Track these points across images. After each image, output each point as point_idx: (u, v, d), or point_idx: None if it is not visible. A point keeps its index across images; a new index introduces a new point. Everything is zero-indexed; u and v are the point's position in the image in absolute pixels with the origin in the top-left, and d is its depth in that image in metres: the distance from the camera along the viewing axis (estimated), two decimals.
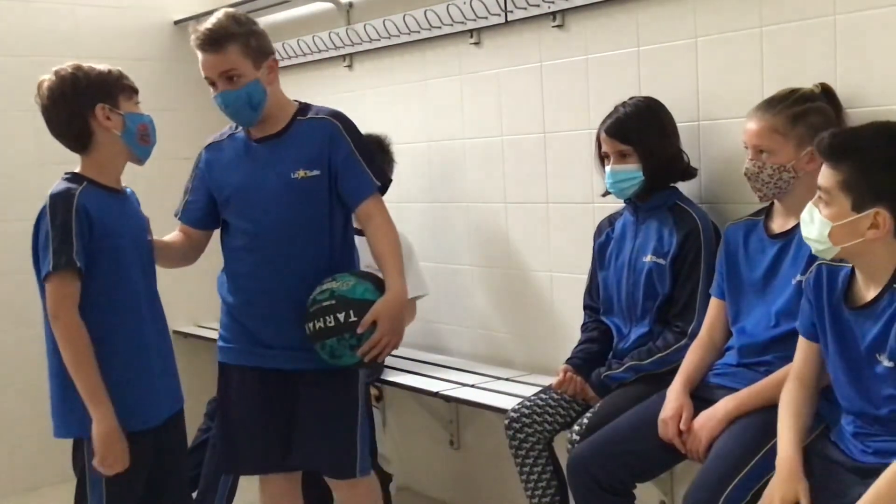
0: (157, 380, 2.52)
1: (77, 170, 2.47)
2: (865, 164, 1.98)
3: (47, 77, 2.44)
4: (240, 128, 2.76)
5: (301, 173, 2.64)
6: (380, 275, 2.67)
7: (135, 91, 2.52)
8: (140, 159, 2.55)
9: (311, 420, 2.69)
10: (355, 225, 2.81)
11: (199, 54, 2.62)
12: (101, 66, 2.47)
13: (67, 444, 2.49)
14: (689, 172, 2.81)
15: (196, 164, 2.83)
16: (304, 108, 2.75)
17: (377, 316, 2.53)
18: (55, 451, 2.50)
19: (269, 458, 2.75)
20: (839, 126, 2.42)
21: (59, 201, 2.36)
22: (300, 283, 2.64)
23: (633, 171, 2.74)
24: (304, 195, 2.65)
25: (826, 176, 2.04)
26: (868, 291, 2.06)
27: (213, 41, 2.58)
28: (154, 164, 2.88)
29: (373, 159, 2.73)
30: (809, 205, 2.10)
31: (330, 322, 2.53)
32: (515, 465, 2.88)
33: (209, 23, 2.60)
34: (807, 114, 2.40)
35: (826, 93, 2.47)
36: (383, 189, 2.73)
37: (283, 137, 2.70)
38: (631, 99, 2.82)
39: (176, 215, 2.85)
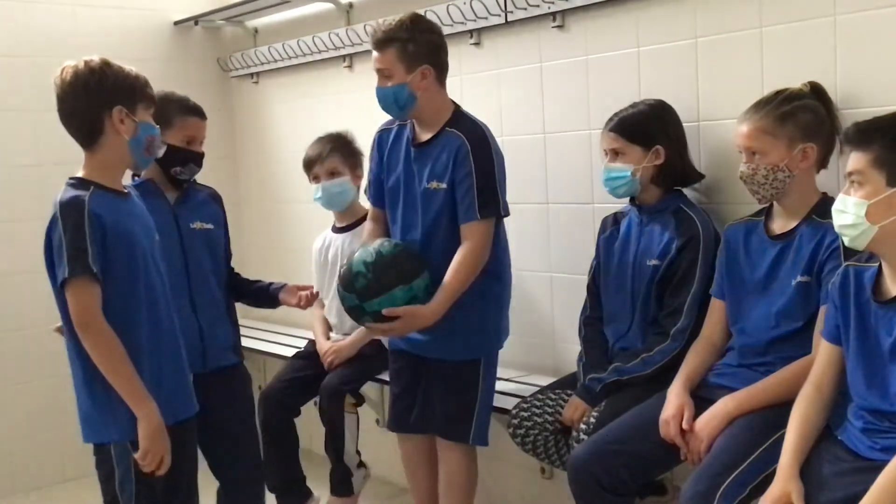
0: (178, 378, 2.52)
1: (81, 174, 2.44)
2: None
3: (73, 63, 2.40)
4: (408, 122, 3.02)
5: (434, 184, 2.91)
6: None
7: (154, 102, 2.50)
8: (140, 168, 2.54)
9: (439, 393, 3.02)
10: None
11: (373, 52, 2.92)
12: (130, 69, 2.45)
13: (70, 443, 2.48)
14: (694, 177, 2.81)
15: (371, 147, 3.16)
16: (454, 118, 2.94)
17: (403, 314, 2.82)
18: (57, 451, 2.49)
19: (412, 421, 3.15)
20: (831, 123, 2.44)
21: (70, 209, 2.32)
22: (439, 282, 2.88)
23: (622, 169, 2.75)
24: (435, 205, 2.91)
25: (856, 159, 2.05)
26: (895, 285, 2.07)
27: (377, 41, 2.88)
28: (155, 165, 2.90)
29: (486, 187, 2.86)
30: (840, 196, 2.10)
31: (360, 285, 2.85)
32: (533, 458, 2.94)
33: (385, 22, 2.89)
34: (795, 112, 2.41)
35: (815, 91, 2.47)
36: (501, 213, 2.92)
37: (428, 148, 2.94)
38: (643, 100, 2.83)
39: (368, 197, 3.20)
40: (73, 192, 2.37)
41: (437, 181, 2.89)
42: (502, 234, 3.03)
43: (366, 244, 2.99)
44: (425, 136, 2.95)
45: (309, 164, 3.63)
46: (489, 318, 3.02)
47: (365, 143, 3.48)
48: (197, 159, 2.97)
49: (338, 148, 3.61)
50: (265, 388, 3.59)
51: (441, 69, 2.93)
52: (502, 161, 2.97)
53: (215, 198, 3.10)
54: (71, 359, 2.43)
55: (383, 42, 2.86)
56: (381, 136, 3.12)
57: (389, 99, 2.91)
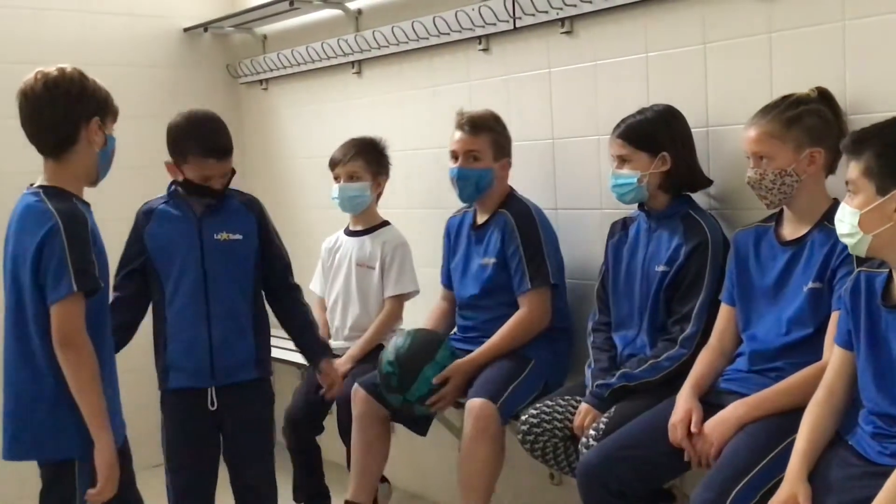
0: (118, 400, 2.46)
1: (46, 182, 2.35)
2: (884, 148, 2.03)
3: (46, 70, 2.32)
4: (473, 206, 3.31)
5: (485, 260, 3.21)
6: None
7: (117, 116, 2.44)
8: (99, 180, 2.45)
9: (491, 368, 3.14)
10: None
11: (457, 133, 3.19)
12: (100, 83, 2.39)
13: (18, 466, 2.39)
14: (702, 183, 2.81)
15: (444, 234, 3.45)
16: (507, 199, 3.23)
17: (450, 373, 3.07)
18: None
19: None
20: (838, 128, 2.44)
21: (75, 220, 2.26)
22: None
23: (629, 176, 2.76)
24: (490, 279, 3.20)
25: (850, 169, 2.08)
26: None
27: (473, 125, 3.17)
28: (161, 172, 2.89)
29: (535, 258, 3.10)
30: (841, 205, 2.12)
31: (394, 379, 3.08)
32: (542, 464, 2.94)
33: (475, 112, 3.20)
34: (801, 117, 2.41)
35: (823, 96, 2.47)
36: (551, 281, 3.12)
37: (483, 230, 3.24)
38: (651, 106, 2.83)
39: (441, 279, 3.49)
40: (64, 203, 2.29)
41: (487, 257, 3.19)
42: (565, 295, 3.23)
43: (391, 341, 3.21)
44: (482, 218, 3.26)
45: (332, 165, 3.68)
46: (553, 352, 3.20)
47: None
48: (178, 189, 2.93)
49: (362, 153, 3.63)
50: (288, 411, 3.56)
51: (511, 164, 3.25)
52: (551, 235, 3.19)
53: (250, 206, 2.99)
54: (30, 373, 2.32)
55: (479, 127, 3.16)
56: (450, 222, 3.44)
57: (471, 179, 3.16)
